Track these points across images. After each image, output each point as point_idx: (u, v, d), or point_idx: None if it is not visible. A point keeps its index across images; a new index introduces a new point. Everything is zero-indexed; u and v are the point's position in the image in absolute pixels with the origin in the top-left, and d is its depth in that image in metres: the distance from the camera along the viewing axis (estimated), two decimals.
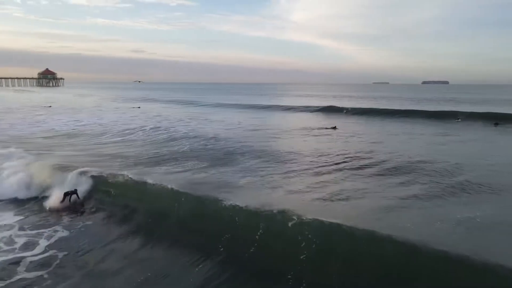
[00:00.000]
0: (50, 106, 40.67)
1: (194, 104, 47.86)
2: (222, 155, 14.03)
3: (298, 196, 8.83)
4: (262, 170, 11.45)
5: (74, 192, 9.22)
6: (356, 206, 8.02)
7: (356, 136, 19.59)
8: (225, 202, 7.49)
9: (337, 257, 5.73)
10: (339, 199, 8.52)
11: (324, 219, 6.48)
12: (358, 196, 8.72)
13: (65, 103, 47.93)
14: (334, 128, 22.67)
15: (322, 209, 7.88)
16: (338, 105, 40.07)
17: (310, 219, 6.47)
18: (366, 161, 12.63)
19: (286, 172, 11.19)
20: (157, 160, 13.26)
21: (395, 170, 11.27)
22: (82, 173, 9.88)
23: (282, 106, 43.23)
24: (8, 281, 6.07)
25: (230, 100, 55.90)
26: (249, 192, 9.06)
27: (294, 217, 6.55)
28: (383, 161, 12.54)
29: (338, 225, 6.26)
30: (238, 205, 7.27)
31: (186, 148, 15.70)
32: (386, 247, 5.63)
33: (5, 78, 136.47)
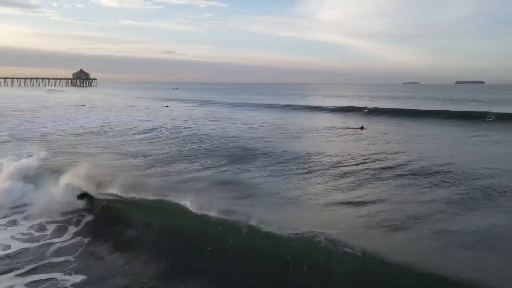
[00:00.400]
0: (83, 105, 42.49)
1: (220, 103, 48.30)
2: (242, 154, 14.04)
3: (311, 201, 8.62)
4: (279, 171, 11.34)
5: (87, 195, 9.23)
6: (371, 213, 7.68)
7: (383, 136, 19.13)
8: (214, 218, 7.05)
9: (338, 279, 5.44)
10: (355, 203, 8.25)
11: (328, 231, 6.18)
12: (375, 200, 8.45)
13: (97, 102, 49.75)
14: (361, 128, 22.38)
15: (332, 216, 7.62)
16: (366, 105, 38.93)
17: (311, 231, 6.12)
18: (391, 163, 12.25)
19: (305, 173, 11.04)
20: (178, 158, 13.60)
21: (420, 173, 10.84)
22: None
23: (307, 105, 42.84)
24: (37, 264, 6.55)
25: (256, 99, 56.10)
26: (260, 196, 8.81)
27: (295, 231, 6.20)
28: (409, 164, 12.08)
29: (341, 241, 5.82)
30: (238, 222, 6.81)
31: (206, 146, 15.93)
32: (393, 269, 5.29)
33: (42, 79, 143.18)
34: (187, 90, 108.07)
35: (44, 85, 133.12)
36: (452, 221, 7.15)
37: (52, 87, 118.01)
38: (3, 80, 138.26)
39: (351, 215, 7.63)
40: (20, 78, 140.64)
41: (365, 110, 34.66)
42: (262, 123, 25.59)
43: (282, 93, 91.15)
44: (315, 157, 13.33)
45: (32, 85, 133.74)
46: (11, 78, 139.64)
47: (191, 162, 12.76)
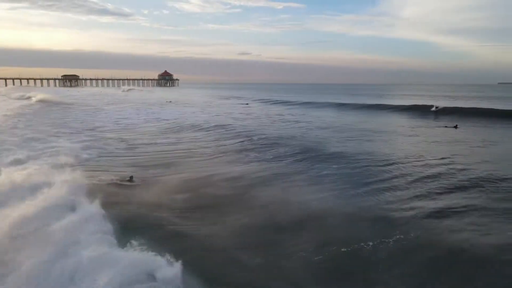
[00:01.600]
0: (170, 102, 46.20)
1: (296, 102, 47.41)
2: (320, 152, 12.88)
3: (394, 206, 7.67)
4: (358, 179, 9.67)
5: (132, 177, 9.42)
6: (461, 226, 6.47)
7: (480, 138, 16.88)
8: None
9: None
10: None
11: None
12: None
13: (181, 100, 52.82)
14: (455, 127, 20.45)
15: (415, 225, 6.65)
16: (436, 104, 33.28)
17: None
18: (491, 168, 10.27)
19: (383, 189, 8.92)
20: (240, 150, 13.73)
21: None
22: None
23: (381, 104, 39.38)
24: None
25: (331, 99, 54.20)
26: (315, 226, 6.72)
27: None
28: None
29: None
30: None
31: (271, 140, 15.59)
32: None
33: (132, 79, 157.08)
34: (264, 91, 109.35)
35: (133, 85, 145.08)
36: None
37: (141, 87, 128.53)
38: (100, 81, 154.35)
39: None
40: (114, 79, 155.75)
41: (432, 109, 30.58)
42: (340, 122, 24.56)
43: (360, 93, 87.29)
44: (394, 161, 11.45)
45: (123, 85, 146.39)
46: (107, 79, 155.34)
47: (252, 157, 12.64)
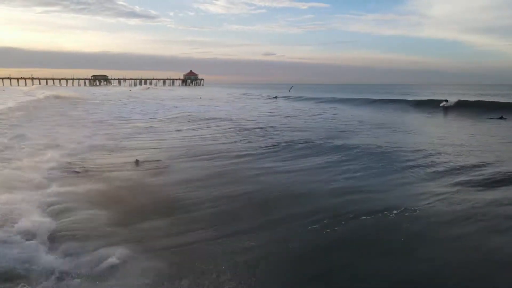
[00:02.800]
0: (200, 98, 47.39)
1: (321, 99, 46.65)
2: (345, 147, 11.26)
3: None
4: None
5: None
6: None
7: None
8: None
9: None
10: None
11: None
12: None
13: (208, 96, 53.75)
14: (501, 117, 19.37)
15: None
16: (447, 98, 29.07)
17: None
18: None
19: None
20: (265, 134, 13.66)
21: None
22: None
23: (412, 100, 37.83)
24: None
25: (356, 96, 53.21)
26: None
27: None
28: None
29: None
30: None
31: (297, 129, 15.64)
32: None
33: (158, 79, 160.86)
34: (288, 89, 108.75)
35: (160, 85, 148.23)
36: None
37: (167, 87, 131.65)
38: (127, 80, 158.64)
39: None
40: (141, 79, 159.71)
41: (441, 104, 26.79)
42: (367, 115, 23.66)
43: (387, 91, 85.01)
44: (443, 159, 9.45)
45: (150, 85, 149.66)
46: (134, 79, 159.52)
47: (285, 137, 12.71)
